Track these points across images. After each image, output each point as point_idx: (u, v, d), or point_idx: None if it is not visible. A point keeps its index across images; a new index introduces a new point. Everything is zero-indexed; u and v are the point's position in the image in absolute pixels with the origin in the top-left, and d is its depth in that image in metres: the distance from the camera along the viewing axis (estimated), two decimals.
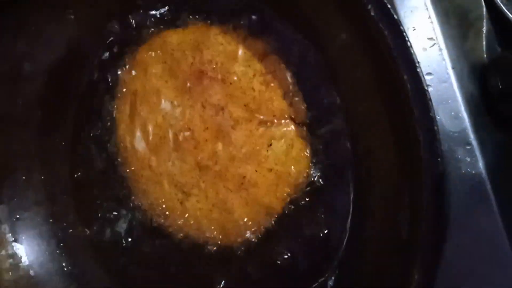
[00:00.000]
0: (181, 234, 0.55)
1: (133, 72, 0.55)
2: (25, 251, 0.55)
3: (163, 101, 0.53)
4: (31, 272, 0.55)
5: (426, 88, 0.35)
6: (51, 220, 0.57)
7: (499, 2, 0.50)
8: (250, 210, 0.51)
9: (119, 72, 0.57)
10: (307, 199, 0.49)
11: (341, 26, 0.42)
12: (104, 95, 0.57)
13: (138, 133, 0.56)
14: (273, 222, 0.51)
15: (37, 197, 0.56)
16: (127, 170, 0.57)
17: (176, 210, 0.55)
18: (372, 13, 0.35)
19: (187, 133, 0.52)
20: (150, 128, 0.54)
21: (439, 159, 0.35)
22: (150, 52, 0.54)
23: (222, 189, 0.51)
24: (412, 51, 0.35)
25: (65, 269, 0.57)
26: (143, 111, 0.55)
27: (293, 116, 0.48)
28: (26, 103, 0.54)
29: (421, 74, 0.35)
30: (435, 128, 0.35)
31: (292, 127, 0.48)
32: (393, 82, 0.36)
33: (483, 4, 0.53)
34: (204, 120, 0.51)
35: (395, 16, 0.35)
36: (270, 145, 0.48)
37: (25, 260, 0.55)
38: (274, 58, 0.48)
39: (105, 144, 0.57)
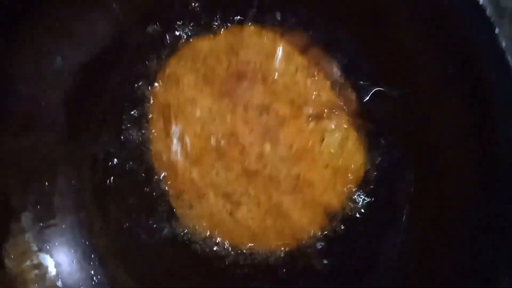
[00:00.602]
0: (231, 247, 0.51)
1: (164, 85, 0.53)
2: (51, 261, 0.52)
3: (200, 110, 0.51)
4: (59, 283, 0.51)
5: None
6: (78, 228, 0.53)
7: None
8: (308, 211, 0.48)
9: (149, 87, 0.54)
10: (366, 194, 0.47)
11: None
12: (134, 109, 0.54)
13: (176, 147, 0.53)
14: (334, 223, 0.48)
15: (63, 203, 0.53)
16: (166, 187, 0.54)
17: (226, 223, 0.51)
18: None
19: (231, 139, 0.49)
20: (189, 140, 0.52)
21: None
22: (180, 63, 0.52)
23: (275, 193, 0.49)
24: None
25: (94, 278, 0.54)
26: (179, 123, 0.52)
27: (344, 107, 0.45)
28: (51, 104, 0.50)
29: None
30: None
31: (345, 117, 0.45)
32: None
33: None
34: (247, 122, 0.48)
35: None
36: (323, 139, 0.46)
37: (51, 270, 0.51)
38: (317, 50, 0.46)
39: (139, 159, 0.54)
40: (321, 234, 0.48)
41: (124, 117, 0.54)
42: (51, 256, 0.52)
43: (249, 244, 0.51)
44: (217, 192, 0.51)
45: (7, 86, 0.48)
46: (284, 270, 0.50)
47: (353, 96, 0.46)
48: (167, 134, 0.54)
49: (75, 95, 0.51)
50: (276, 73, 0.47)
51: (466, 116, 0.39)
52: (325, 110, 0.46)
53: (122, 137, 0.54)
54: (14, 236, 0.49)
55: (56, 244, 0.53)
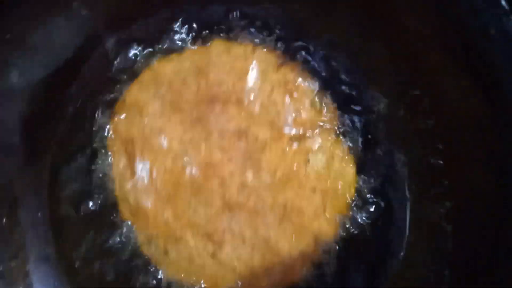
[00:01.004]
0: None
1: (125, 116, 0.48)
2: None
3: (169, 141, 0.46)
4: None
5: None
6: (44, 268, 0.45)
7: None
8: (298, 242, 0.43)
9: (107, 124, 0.48)
10: (363, 217, 0.43)
11: None
12: (90, 148, 0.48)
13: (143, 186, 0.47)
14: (327, 252, 0.44)
15: (24, 239, 0.45)
16: (137, 237, 0.47)
17: (209, 266, 0.45)
18: None
19: (207, 170, 0.44)
20: (158, 176, 0.46)
21: None
22: (142, 90, 0.47)
23: (261, 227, 0.44)
24: None
25: None
26: (146, 158, 0.47)
27: (327, 124, 0.42)
28: (5, 126, 0.44)
29: None
30: None
31: (328, 135, 0.42)
32: None
33: None
34: (225, 150, 0.44)
35: None
36: (308, 161, 0.42)
37: None
38: (292, 65, 0.43)
39: (103, 199, 0.47)
40: (314, 270, 0.43)
41: (78, 155, 0.48)
42: None
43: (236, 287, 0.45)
44: (196, 232, 0.45)
45: None
46: None
47: (335, 112, 0.42)
48: (132, 172, 0.47)
49: (31, 115, 0.44)
50: (252, 94, 0.43)
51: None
52: (307, 130, 0.42)
53: (84, 176, 0.47)
54: None
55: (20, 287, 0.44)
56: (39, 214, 0.46)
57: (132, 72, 0.46)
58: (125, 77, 0.47)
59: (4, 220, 0.44)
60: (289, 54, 0.43)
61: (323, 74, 0.43)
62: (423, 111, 0.41)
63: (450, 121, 0.40)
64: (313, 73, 0.43)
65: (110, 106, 0.47)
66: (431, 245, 0.41)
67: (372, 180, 0.42)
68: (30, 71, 0.44)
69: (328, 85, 0.42)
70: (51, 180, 0.46)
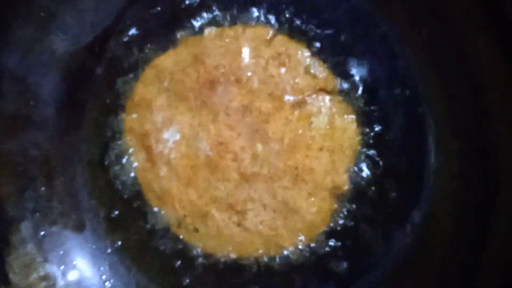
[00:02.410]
0: (254, 259, 0.49)
1: (136, 114, 0.51)
2: (59, 270, 0.48)
3: (180, 128, 0.49)
4: None
5: None
6: (82, 232, 0.50)
7: None
8: (315, 199, 0.47)
9: (120, 119, 0.52)
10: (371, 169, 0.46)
11: None
12: (112, 149, 0.52)
13: (165, 174, 0.51)
14: (343, 204, 0.47)
15: (62, 207, 0.49)
16: (168, 220, 0.52)
17: (237, 235, 0.49)
18: None
19: (220, 149, 0.48)
20: (176, 162, 0.50)
21: None
22: (147, 87, 0.50)
23: (279, 190, 0.47)
24: None
25: (106, 284, 0.50)
26: (162, 148, 0.50)
27: (323, 86, 0.45)
28: (39, 101, 0.47)
29: None
30: None
31: (326, 97, 0.45)
32: None
33: None
34: (233, 127, 0.47)
35: None
36: (311, 123, 0.45)
37: (60, 281, 0.48)
38: (281, 38, 0.46)
39: (129, 203, 0.51)
40: (333, 225, 0.47)
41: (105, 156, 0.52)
42: (58, 266, 0.48)
43: (264, 251, 0.49)
44: (219, 206, 0.49)
45: None
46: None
47: (329, 74, 0.45)
48: (153, 163, 0.51)
49: (64, 90, 0.48)
50: (248, 71, 0.46)
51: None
52: (306, 95, 0.45)
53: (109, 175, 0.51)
54: (16, 248, 0.45)
55: (61, 252, 0.49)
56: (75, 183, 0.50)
57: (134, 72, 0.49)
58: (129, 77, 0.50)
59: (42, 189, 0.48)
60: (278, 26, 0.46)
61: (316, 41, 0.45)
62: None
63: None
64: (305, 39, 0.45)
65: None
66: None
67: (375, 130, 0.45)
68: (62, 46, 0.47)
69: (322, 50, 0.45)
70: (86, 153, 0.50)
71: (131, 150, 0.52)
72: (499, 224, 0.40)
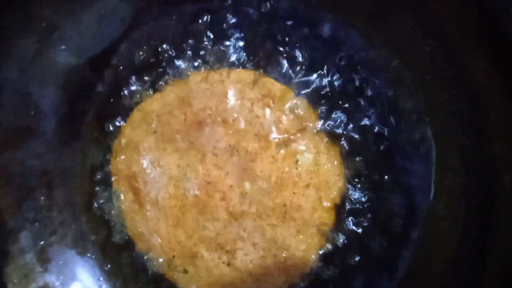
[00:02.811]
0: None
1: (124, 156, 0.52)
2: (58, 281, 0.47)
3: (168, 169, 0.50)
4: None
5: None
6: (82, 242, 0.49)
7: None
8: (304, 236, 0.48)
9: (108, 165, 0.52)
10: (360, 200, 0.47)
11: None
12: (98, 193, 0.52)
13: (153, 215, 0.51)
14: (330, 239, 0.48)
15: (62, 217, 0.48)
16: (155, 263, 0.51)
17: (227, 275, 0.49)
18: None
19: (208, 189, 0.48)
20: (165, 203, 0.50)
21: None
22: (135, 129, 0.51)
23: (267, 228, 0.48)
24: None
25: None
26: (149, 189, 0.50)
27: (305, 125, 0.47)
28: (40, 111, 0.47)
29: None
30: None
31: (311, 135, 0.47)
32: None
33: None
34: (221, 167, 0.48)
35: None
36: (297, 161, 0.47)
37: None
38: (264, 80, 0.48)
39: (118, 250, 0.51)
40: (322, 262, 0.48)
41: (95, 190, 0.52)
42: (57, 276, 0.47)
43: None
44: (209, 246, 0.49)
45: None
46: None
47: (312, 112, 0.47)
48: (140, 205, 0.51)
49: (64, 102, 0.48)
50: (234, 113, 0.48)
51: None
52: (291, 134, 0.47)
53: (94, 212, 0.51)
54: (14, 258, 0.45)
55: (60, 262, 0.48)
56: (74, 194, 0.49)
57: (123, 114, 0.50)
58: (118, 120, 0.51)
59: (42, 199, 0.48)
60: (262, 68, 0.48)
61: (295, 80, 0.47)
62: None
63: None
64: (287, 80, 0.47)
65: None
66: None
67: (359, 166, 0.47)
68: (63, 59, 0.47)
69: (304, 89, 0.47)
70: (85, 163, 0.50)
71: (117, 193, 0.52)
72: (498, 242, 0.41)
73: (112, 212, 0.51)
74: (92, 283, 0.49)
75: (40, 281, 0.46)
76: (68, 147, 0.49)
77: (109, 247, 0.50)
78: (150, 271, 0.50)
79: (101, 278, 0.49)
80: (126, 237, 0.51)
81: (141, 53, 0.50)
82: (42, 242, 0.47)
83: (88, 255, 0.49)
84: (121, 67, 0.49)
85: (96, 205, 0.50)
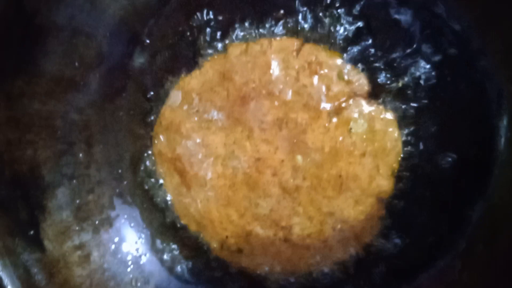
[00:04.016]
0: (305, 275, 0.48)
1: (166, 139, 0.50)
2: (94, 240, 0.47)
3: (214, 148, 0.48)
4: (105, 265, 0.46)
5: None
6: (119, 203, 0.48)
7: None
8: (362, 206, 0.46)
9: (149, 150, 0.51)
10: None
11: None
12: (143, 177, 0.51)
13: (202, 196, 0.49)
14: (390, 208, 0.46)
15: (100, 176, 0.48)
16: (211, 247, 0.50)
17: (284, 251, 0.48)
18: None
19: (258, 165, 0.47)
20: (214, 184, 0.48)
21: None
22: (175, 111, 0.49)
23: (324, 201, 0.46)
24: None
25: (142, 257, 0.49)
26: (196, 171, 0.49)
27: (358, 92, 0.44)
28: (84, 63, 0.45)
29: None
30: None
31: (363, 101, 0.44)
32: None
33: None
34: (269, 141, 0.46)
35: None
36: (351, 129, 0.44)
37: (95, 251, 0.46)
38: (309, 46, 0.45)
39: (168, 232, 0.50)
40: (384, 228, 0.46)
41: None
42: (93, 236, 0.46)
43: (315, 265, 0.48)
44: (263, 224, 0.48)
45: (38, 40, 0.41)
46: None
47: (362, 78, 0.44)
48: (188, 187, 0.50)
49: (110, 55, 0.46)
50: (280, 84, 0.45)
51: None
52: (342, 101, 0.44)
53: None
54: (51, 214, 0.43)
55: (97, 222, 0.47)
56: (115, 153, 0.48)
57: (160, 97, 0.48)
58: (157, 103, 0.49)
59: (80, 155, 0.46)
60: (305, 35, 0.45)
61: (342, 43, 0.44)
62: None
63: None
64: (334, 45, 0.44)
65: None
66: None
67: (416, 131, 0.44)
68: (113, 7, 0.45)
69: (353, 54, 0.44)
70: (128, 121, 0.48)
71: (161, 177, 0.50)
72: None
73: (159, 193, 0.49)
74: (129, 245, 0.48)
75: (76, 240, 0.45)
76: (111, 103, 0.47)
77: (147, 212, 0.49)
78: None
79: (139, 240, 0.49)
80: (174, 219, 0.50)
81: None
82: (78, 200, 0.46)
83: (125, 216, 0.48)
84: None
85: (142, 170, 0.49)
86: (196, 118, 0.48)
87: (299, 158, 0.45)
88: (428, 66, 0.42)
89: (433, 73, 0.42)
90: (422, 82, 0.43)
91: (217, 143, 0.48)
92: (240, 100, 0.46)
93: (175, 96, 0.49)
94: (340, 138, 0.44)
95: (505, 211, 0.39)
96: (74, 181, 0.46)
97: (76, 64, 0.44)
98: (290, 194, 0.46)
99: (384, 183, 0.45)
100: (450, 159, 0.43)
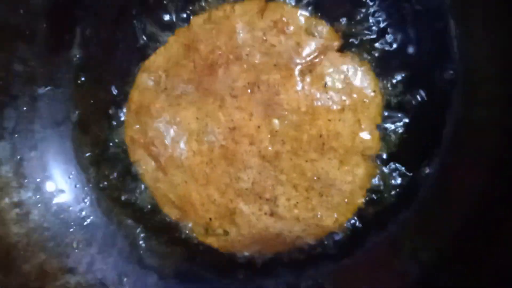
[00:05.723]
0: (296, 250, 0.45)
1: (136, 122, 0.47)
2: (34, 198, 0.44)
3: (187, 124, 0.45)
4: (45, 224, 0.44)
5: None
6: (63, 161, 0.46)
7: None
8: (348, 166, 0.43)
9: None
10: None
11: None
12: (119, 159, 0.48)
13: (180, 179, 0.46)
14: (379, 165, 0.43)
15: (44, 132, 0.45)
16: (192, 229, 0.47)
17: (271, 227, 0.45)
18: None
19: (234, 135, 0.44)
20: (190, 163, 0.46)
21: None
22: (142, 92, 0.47)
23: (307, 165, 0.43)
24: None
25: (86, 219, 0.46)
26: (170, 152, 0.46)
27: (327, 44, 0.42)
28: (30, 11, 0.43)
29: None
30: None
31: (335, 55, 0.42)
32: None
33: None
34: (243, 108, 0.43)
35: None
36: (326, 85, 0.42)
37: (34, 210, 0.44)
38: (274, 4, 0.43)
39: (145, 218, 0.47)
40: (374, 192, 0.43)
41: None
42: (34, 194, 0.44)
43: (305, 237, 0.44)
44: (246, 199, 0.45)
45: None
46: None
47: (331, 30, 0.42)
48: (164, 172, 0.47)
49: (58, 3, 0.44)
50: (247, 47, 0.43)
51: None
52: (313, 57, 0.42)
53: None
54: None
55: (38, 180, 0.44)
56: (61, 110, 0.46)
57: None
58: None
59: (24, 109, 0.44)
60: None
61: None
62: None
63: None
64: (298, 0, 0.42)
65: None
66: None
67: (395, 80, 0.41)
68: None
69: (319, 7, 0.42)
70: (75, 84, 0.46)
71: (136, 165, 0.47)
72: None
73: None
74: (72, 206, 0.46)
75: (14, 197, 0.43)
76: (58, 56, 0.45)
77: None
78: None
79: (84, 202, 0.46)
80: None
81: None
82: (19, 156, 0.44)
83: (71, 176, 0.46)
84: None
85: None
86: (164, 96, 0.46)
87: (275, 121, 0.43)
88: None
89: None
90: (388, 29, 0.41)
91: (189, 119, 0.45)
92: (208, 69, 0.44)
93: (141, 78, 0.47)
94: (317, 95, 0.42)
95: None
96: (16, 136, 0.44)
97: (21, 11, 0.43)
98: (270, 163, 0.43)
99: (368, 139, 0.42)
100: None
